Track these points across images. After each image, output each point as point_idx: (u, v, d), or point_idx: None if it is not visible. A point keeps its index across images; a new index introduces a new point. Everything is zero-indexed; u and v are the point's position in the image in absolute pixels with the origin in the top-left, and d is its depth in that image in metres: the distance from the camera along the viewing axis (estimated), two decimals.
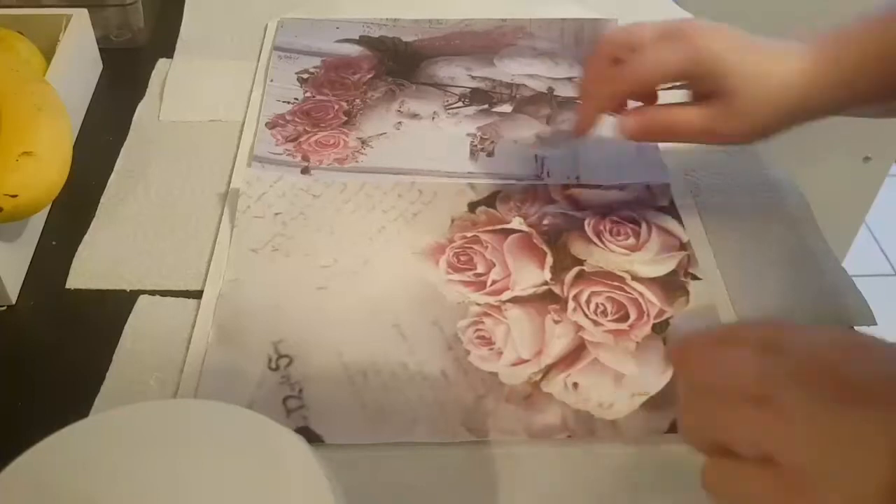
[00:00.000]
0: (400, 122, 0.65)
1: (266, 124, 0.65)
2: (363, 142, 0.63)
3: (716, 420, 0.33)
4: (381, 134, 0.64)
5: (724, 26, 0.53)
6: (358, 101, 0.67)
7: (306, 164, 0.61)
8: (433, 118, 0.66)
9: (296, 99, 0.67)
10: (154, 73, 0.70)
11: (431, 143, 0.64)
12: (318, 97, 0.67)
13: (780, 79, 0.50)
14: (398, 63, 0.71)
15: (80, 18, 0.66)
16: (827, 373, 0.32)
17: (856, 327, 0.52)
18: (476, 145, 0.63)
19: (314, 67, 0.70)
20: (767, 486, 0.32)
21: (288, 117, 0.65)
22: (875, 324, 0.52)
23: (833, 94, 0.51)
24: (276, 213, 0.57)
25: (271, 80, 0.69)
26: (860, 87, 0.51)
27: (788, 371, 0.33)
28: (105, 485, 0.31)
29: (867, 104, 0.52)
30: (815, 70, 0.50)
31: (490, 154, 0.63)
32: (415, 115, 0.66)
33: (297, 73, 0.70)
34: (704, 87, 0.51)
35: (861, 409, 0.31)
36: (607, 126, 0.65)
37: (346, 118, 0.66)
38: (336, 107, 0.67)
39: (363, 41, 0.73)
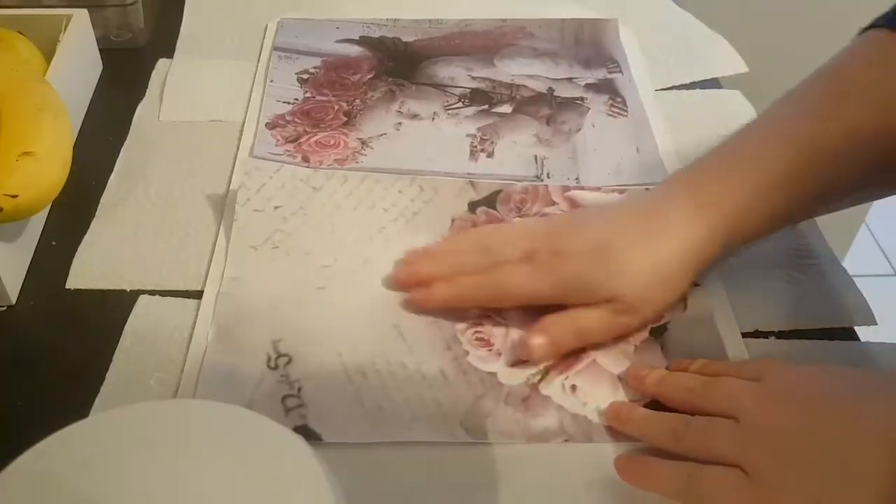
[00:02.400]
0: (400, 123, 0.65)
1: (266, 125, 0.65)
2: (363, 142, 0.63)
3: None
4: (381, 134, 0.64)
5: (589, 220, 0.51)
6: (358, 101, 0.67)
7: (306, 164, 0.61)
8: (433, 119, 0.66)
9: (296, 99, 0.67)
10: (154, 73, 0.70)
11: (431, 143, 0.64)
12: (318, 97, 0.67)
13: (663, 266, 0.48)
14: (398, 63, 0.71)
15: (80, 18, 0.66)
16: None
17: (856, 327, 0.52)
18: (476, 146, 0.63)
19: (314, 68, 0.70)
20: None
21: (288, 118, 0.65)
22: (875, 324, 0.52)
23: (730, 242, 0.50)
24: (276, 207, 0.57)
25: (271, 81, 0.69)
26: (755, 228, 0.49)
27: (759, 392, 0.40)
28: (105, 485, 0.31)
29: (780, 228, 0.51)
30: (702, 239, 0.48)
31: (490, 155, 0.63)
32: (415, 116, 0.66)
33: (297, 74, 0.70)
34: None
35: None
36: (607, 126, 0.66)
37: (346, 119, 0.66)
38: (336, 107, 0.67)
39: (363, 41, 0.73)
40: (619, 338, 0.50)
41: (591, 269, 0.48)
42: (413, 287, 0.52)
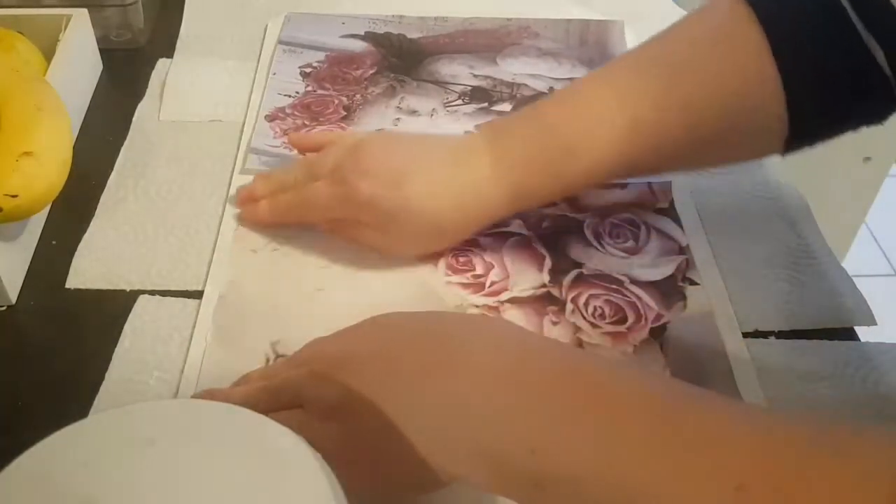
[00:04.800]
0: (398, 119, 0.66)
1: (266, 117, 0.65)
2: None
3: None
4: (379, 129, 0.64)
5: (394, 146, 0.54)
6: (358, 96, 0.67)
7: (302, 157, 0.61)
8: (431, 115, 0.66)
9: (297, 93, 0.67)
10: (154, 73, 0.70)
11: None
12: (319, 91, 0.68)
13: (436, 209, 0.51)
14: (401, 59, 0.71)
15: (80, 18, 0.66)
16: None
17: (856, 327, 0.52)
18: None
19: (317, 62, 0.71)
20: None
21: (288, 111, 0.66)
22: (875, 324, 0.52)
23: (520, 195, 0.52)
24: None
25: (273, 74, 0.69)
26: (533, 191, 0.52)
27: None
28: (105, 485, 0.31)
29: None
30: (490, 194, 0.51)
31: None
32: (413, 112, 0.66)
33: (300, 67, 0.70)
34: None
35: None
36: None
37: (345, 113, 0.66)
38: (336, 101, 0.67)
39: (368, 37, 0.73)
40: (618, 337, 0.50)
41: (383, 198, 0.51)
42: (245, 204, 0.56)
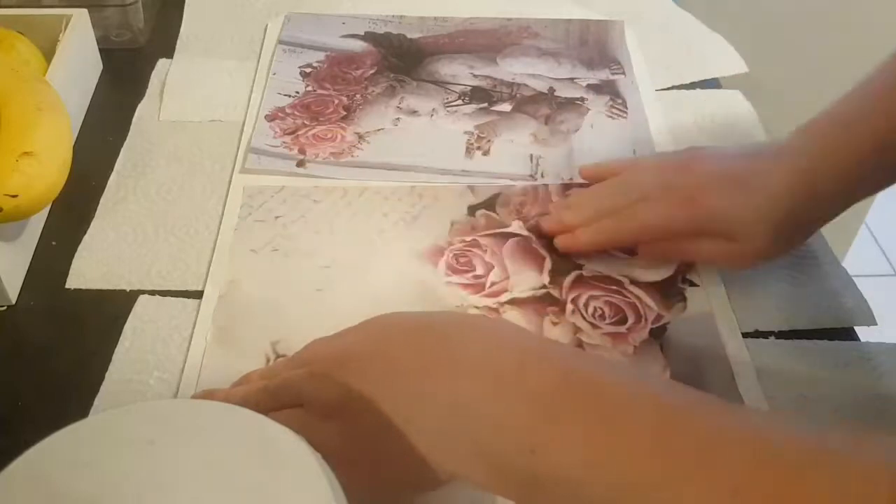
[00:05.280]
0: (398, 119, 0.66)
1: (265, 116, 0.65)
2: (360, 136, 0.64)
3: None
4: (379, 129, 0.64)
5: (723, 157, 0.53)
6: (358, 96, 0.67)
7: (302, 157, 0.61)
8: (432, 115, 0.66)
9: (297, 92, 0.67)
10: (154, 73, 0.70)
11: (428, 139, 0.64)
12: (319, 91, 0.68)
13: (778, 215, 0.50)
14: (401, 59, 0.71)
15: (80, 18, 0.66)
16: None
17: (856, 327, 0.52)
18: (472, 143, 0.64)
19: (317, 62, 0.71)
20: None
21: (288, 110, 0.66)
22: (875, 324, 0.52)
23: (837, 199, 0.51)
24: (277, 217, 0.57)
25: (274, 73, 0.69)
26: (864, 183, 0.51)
27: None
28: (105, 485, 0.31)
29: (875, 191, 0.52)
30: (813, 188, 0.50)
31: (486, 153, 0.63)
32: (413, 112, 0.66)
33: (300, 67, 0.70)
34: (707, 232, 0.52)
35: None
36: (605, 128, 0.66)
37: (345, 113, 0.66)
38: (336, 101, 0.67)
39: (368, 37, 0.73)
40: (618, 337, 0.50)
41: (732, 206, 0.50)
42: (557, 234, 0.55)
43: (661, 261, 0.54)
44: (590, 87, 0.69)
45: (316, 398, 0.39)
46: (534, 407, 0.34)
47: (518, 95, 0.68)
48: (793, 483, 0.29)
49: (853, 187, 0.50)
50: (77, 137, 0.63)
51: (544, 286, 0.53)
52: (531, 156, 0.63)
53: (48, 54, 0.63)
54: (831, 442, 0.30)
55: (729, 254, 0.52)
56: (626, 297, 0.53)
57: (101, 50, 0.70)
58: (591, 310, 0.52)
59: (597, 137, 0.65)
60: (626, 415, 0.33)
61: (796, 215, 0.50)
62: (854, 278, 0.54)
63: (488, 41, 0.73)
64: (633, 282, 0.54)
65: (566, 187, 0.60)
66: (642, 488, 0.31)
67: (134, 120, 0.65)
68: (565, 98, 0.68)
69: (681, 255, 0.54)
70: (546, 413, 0.34)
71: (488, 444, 0.34)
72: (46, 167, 0.51)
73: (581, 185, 0.60)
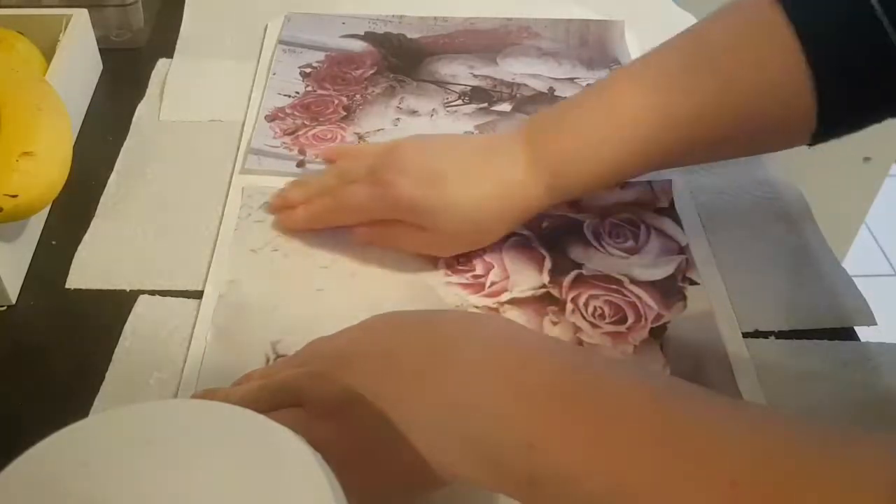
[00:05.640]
0: (398, 119, 0.66)
1: (265, 117, 0.65)
2: (360, 137, 0.64)
3: None
4: (379, 130, 0.64)
5: (427, 149, 0.54)
6: (358, 96, 0.67)
7: (302, 157, 0.61)
8: (431, 115, 0.66)
9: (297, 93, 0.67)
10: (154, 73, 0.70)
11: None
12: (319, 91, 0.68)
13: (479, 215, 0.52)
14: (401, 60, 0.71)
15: (80, 18, 0.66)
16: None
17: (856, 327, 0.52)
18: None
19: (317, 62, 0.71)
20: None
21: (288, 111, 0.66)
22: (875, 324, 0.52)
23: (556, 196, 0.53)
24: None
25: (273, 74, 0.69)
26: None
27: None
28: (105, 485, 0.31)
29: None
30: (511, 181, 0.52)
31: None
32: (413, 112, 0.66)
33: (300, 68, 0.70)
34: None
35: None
36: None
37: (345, 113, 0.66)
38: (336, 101, 0.67)
39: (368, 37, 0.73)
40: (618, 337, 0.50)
41: (423, 197, 0.51)
42: (280, 211, 0.57)
43: (369, 245, 0.55)
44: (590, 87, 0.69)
45: (316, 397, 0.39)
46: (533, 404, 0.34)
47: (518, 95, 0.68)
48: (792, 481, 0.29)
49: (550, 195, 0.53)
50: (77, 137, 0.63)
51: (544, 286, 0.53)
52: None
53: (48, 54, 0.63)
54: (832, 440, 0.30)
55: (424, 242, 0.54)
56: (626, 296, 0.53)
57: (101, 50, 0.70)
58: (591, 309, 0.52)
59: None
60: (626, 412, 0.33)
61: (489, 215, 0.52)
62: (854, 278, 0.54)
63: (488, 41, 0.73)
64: (633, 281, 0.54)
65: None
66: (642, 485, 0.31)
67: (134, 120, 0.65)
68: (566, 98, 0.68)
69: (383, 240, 0.55)
70: (546, 410, 0.34)
71: (488, 442, 0.34)
72: (46, 167, 0.51)
73: None
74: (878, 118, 0.50)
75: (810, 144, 0.51)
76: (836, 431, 0.31)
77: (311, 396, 0.39)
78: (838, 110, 0.49)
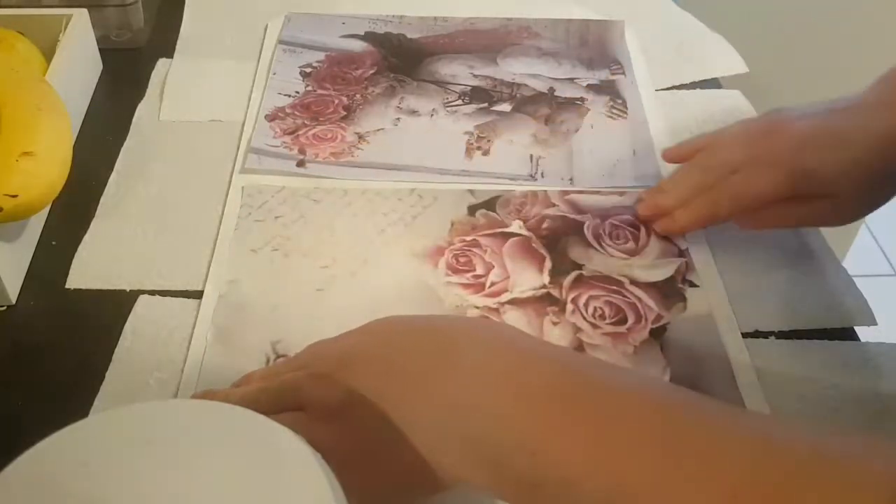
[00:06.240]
0: (398, 119, 0.66)
1: (266, 116, 0.65)
2: (360, 136, 0.64)
3: None
4: (379, 129, 0.64)
5: (807, 117, 0.53)
6: (358, 96, 0.67)
7: (302, 157, 0.61)
8: (432, 115, 0.66)
9: (297, 92, 0.67)
10: (154, 73, 0.70)
11: (428, 140, 0.64)
12: (319, 91, 0.68)
13: (876, 166, 0.50)
14: (401, 59, 0.71)
15: (80, 18, 0.66)
16: None
17: (856, 327, 0.52)
18: (472, 143, 0.64)
19: (317, 62, 0.71)
20: None
21: (288, 110, 0.66)
22: (875, 324, 0.52)
23: None
24: (277, 217, 0.57)
25: (274, 73, 0.69)
26: None
27: None
28: (105, 485, 0.31)
29: None
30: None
31: (486, 153, 0.63)
32: (413, 112, 0.66)
33: (300, 67, 0.70)
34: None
35: None
36: (605, 128, 0.66)
37: (345, 113, 0.66)
38: (336, 101, 0.67)
39: (368, 37, 0.74)
40: (618, 337, 0.50)
41: (825, 161, 0.50)
42: (656, 219, 0.57)
43: (761, 229, 0.55)
44: (590, 87, 0.69)
45: (317, 400, 0.39)
46: (534, 407, 0.34)
47: (518, 95, 0.68)
48: (792, 486, 0.29)
49: None
50: (77, 137, 0.63)
51: (544, 286, 0.53)
52: (531, 156, 0.63)
53: (48, 54, 0.63)
54: (832, 447, 0.30)
55: (825, 213, 0.53)
56: (626, 297, 0.53)
57: (101, 50, 0.70)
58: (591, 310, 0.52)
59: (597, 137, 0.65)
60: (626, 416, 0.33)
61: (889, 166, 0.50)
62: (854, 278, 0.54)
63: (488, 41, 0.74)
64: (633, 282, 0.54)
65: (565, 192, 0.60)
66: (642, 489, 0.31)
67: (134, 120, 0.65)
68: (565, 98, 0.68)
69: (777, 221, 0.54)
70: (546, 413, 0.34)
71: (488, 445, 0.34)
72: (46, 167, 0.51)
73: (580, 192, 0.60)
74: None
75: None
76: (839, 438, 0.31)
77: (313, 399, 0.39)
78: None
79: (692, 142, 0.59)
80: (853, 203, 0.52)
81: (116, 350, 0.49)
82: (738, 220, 0.55)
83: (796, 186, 0.52)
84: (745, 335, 0.51)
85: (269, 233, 0.56)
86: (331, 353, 0.41)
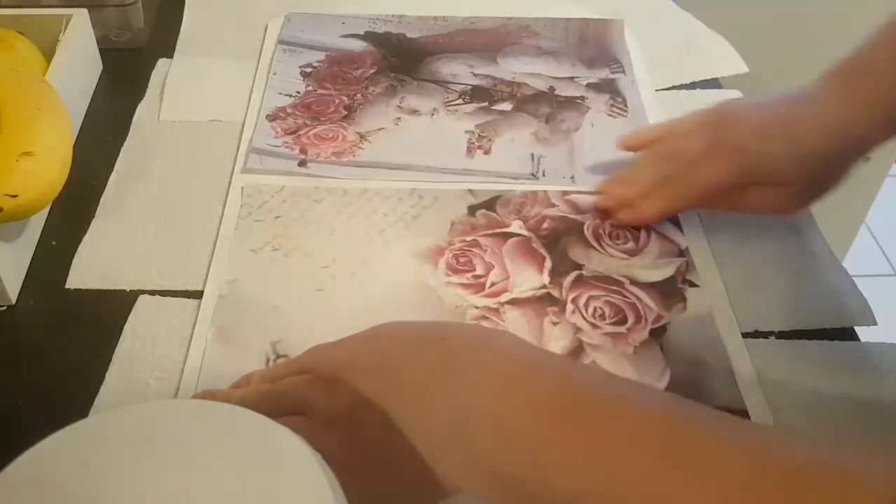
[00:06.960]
0: (399, 118, 0.66)
1: (266, 116, 0.65)
2: (361, 136, 0.64)
3: None
4: (380, 129, 0.64)
5: (759, 108, 0.55)
6: (359, 95, 0.67)
7: (304, 156, 0.61)
8: (432, 115, 0.66)
9: (297, 92, 0.67)
10: (154, 73, 0.70)
11: (429, 139, 0.64)
12: (320, 91, 0.68)
13: (821, 154, 0.52)
14: (401, 59, 0.71)
15: (80, 18, 0.66)
16: None
17: (856, 327, 0.52)
18: (473, 143, 0.64)
19: (318, 62, 0.71)
20: None
21: (289, 110, 0.66)
22: (875, 324, 0.52)
23: (869, 140, 0.53)
24: (277, 217, 0.57)
25: (274, 74, 0.69)
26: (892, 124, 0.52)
27: None
28: (105, 485, 0.31)
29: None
30: (847, 121, 0.52)
31: (487, 152, 0.63)
32: (414, 112, 0.66)
33: (300, 67, 0.70)
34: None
35: None
36: (606, 126, 0.66)
37: (346, 112, 0.66)
38: (337, 101, 0.67)
39: (368, 37, 0.74)
40: (618, 337, 0.50)
41: (775, 149, 0.52)
42: (619, 210, 0.57)
43: (718, 211, 0.56)
44: (590, 86, 0.69)
45: (319, 405, 0.39)
46: (535, 415, 0.34)
47: (518, 94, 0.68)
48: (793, 487, 0.29)
49: (885, 127, 0.52)
50: (77, 137, 0.63)
51: (544, 286, 0.53)
52: (532, 155, 0.63)
53: (48, 54, 0.63)
54: (833, 459, 0.30)
55: (778, 200, 0.54)
56: (626, 297, 0.53)
57: (101, 50, 0.70)
58: (591, 310, 0.52)
59: (597, 136, 0.65)
60: (626, 424, 0.33)
61: (839, 155, 0.52)
62: (854, 278, 0.54)
63: (488, 40, 0.74)
64: (633, 282, 0.54)
65: (566, 192, 0.60)
66: (643, 496, 0.31)
67: (134, 120, 0.65)
68: (566, 97, 0.68)
69: (731, 206, 0.55)
70: (548, 421, 0.34)
71: (489, 452, 0.34)
72: (46, 167, 0.51)
73: (580, 192, 0.60)
74: None
75: None
76: (841, 451, 0.31)
77: (314, 404, 0.39)
78: None
79: (647, 131, 0.60)
80: (805, 191, 0.54)
81: (116, 350, 0.49)
82: (695, 205, 0.56)
83: (751, 175, 0.53)
84: (745, 335, 0.51)
85: (269, 233, 0.56)
86: (332, 358, 0.41)
